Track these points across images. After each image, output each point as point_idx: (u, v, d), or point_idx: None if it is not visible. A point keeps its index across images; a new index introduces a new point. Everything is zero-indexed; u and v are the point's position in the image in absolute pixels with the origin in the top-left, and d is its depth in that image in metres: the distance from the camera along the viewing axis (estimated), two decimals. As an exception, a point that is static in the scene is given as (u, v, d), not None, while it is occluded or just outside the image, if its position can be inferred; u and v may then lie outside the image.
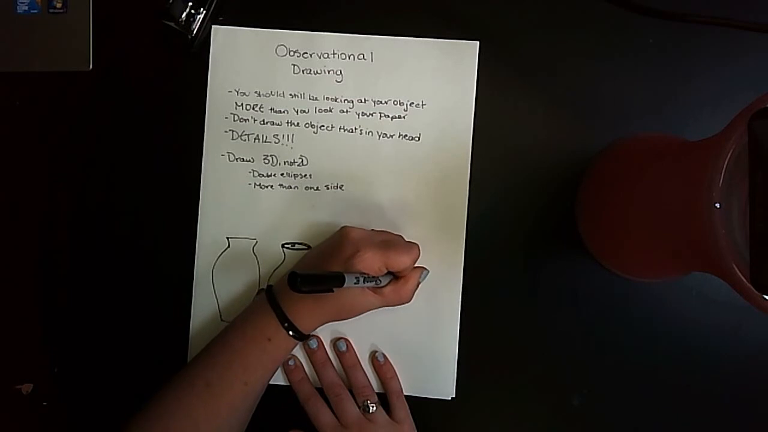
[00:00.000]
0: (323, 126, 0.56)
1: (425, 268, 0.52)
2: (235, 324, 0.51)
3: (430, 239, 0.54)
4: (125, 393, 0.54)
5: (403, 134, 0.55)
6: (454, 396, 0.54)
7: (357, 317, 0.50)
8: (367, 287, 0.49)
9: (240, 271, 0.56)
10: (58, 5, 0.57)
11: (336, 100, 0.56)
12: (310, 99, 0.56)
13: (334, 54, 0.56)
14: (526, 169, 0.55)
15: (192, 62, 0.56)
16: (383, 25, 0.55)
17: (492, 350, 0.55)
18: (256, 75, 0.56)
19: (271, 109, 0.56)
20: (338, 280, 0.43)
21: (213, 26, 0.56)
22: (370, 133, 0.56)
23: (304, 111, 0.56)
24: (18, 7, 0.57)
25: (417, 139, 0.55)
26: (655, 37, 0.54)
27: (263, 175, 0.56)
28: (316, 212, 0.56)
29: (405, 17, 0.55)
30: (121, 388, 0.56)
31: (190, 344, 0.56)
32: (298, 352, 0.55)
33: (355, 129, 0.56)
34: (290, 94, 0.56)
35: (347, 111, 0.56)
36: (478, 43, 0.55)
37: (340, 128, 0.56)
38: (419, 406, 0.54)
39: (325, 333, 0.55)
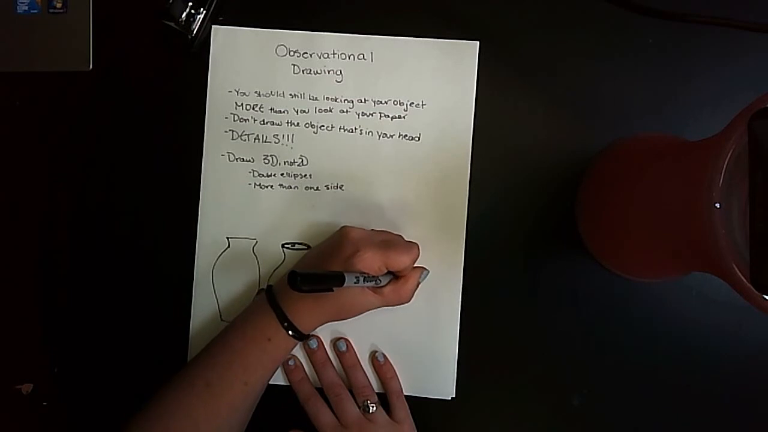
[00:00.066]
0: (323, 126, 0.56)
1: (425, 268, 0.52)
2: (235, 324, 0.51)
3: (430, 239, 0.54)
4: (125, 393, 0.54)
5: (403, 134, 0.55)
6: (454, 396, 0.54)
7: (357, 317, 0.50)
8: (367, 287, 0.49)
9: (240, 271, 0.56)
10: (58, 5, 0.57)
11: (336, 100, 0.56)
12: (310, 99, 0.56)
13: (334, 54, 0.56)
14: (526, 169, 0.55)
15: (192, 62, 0.56)
16: (383, 25, 0.55)
17: (492, 350, 0.55)
18: (256, 75, 0.56)
19: (271, 109, 0.56)
20: (338, 280, 0.43)
21: (213, 26, 0.56)
22: (370, 133, 0.56)
23: (304, 111, 0.56)
24: (18, 7, 0.57)
25: (417, 139, 0.55)
26: (655, 37, 0.54)
27: (263, 175, 0.56)
28: (316, 212, 0.56)
29: (405, 17, 0.55)
30: (121, 388, 0.56)
31: (190, 344, 0.56)
32: (298, 352, 0.55)
33: (355, 129, 0.56)
34: (290, 94, 0.56)
35: (347, 111, 0.56)
36: (478, 43, 0.55)
37: (340, 128, 0.56)
38: (419, 406, 0.54)
39: (325, 333, 0.55)
